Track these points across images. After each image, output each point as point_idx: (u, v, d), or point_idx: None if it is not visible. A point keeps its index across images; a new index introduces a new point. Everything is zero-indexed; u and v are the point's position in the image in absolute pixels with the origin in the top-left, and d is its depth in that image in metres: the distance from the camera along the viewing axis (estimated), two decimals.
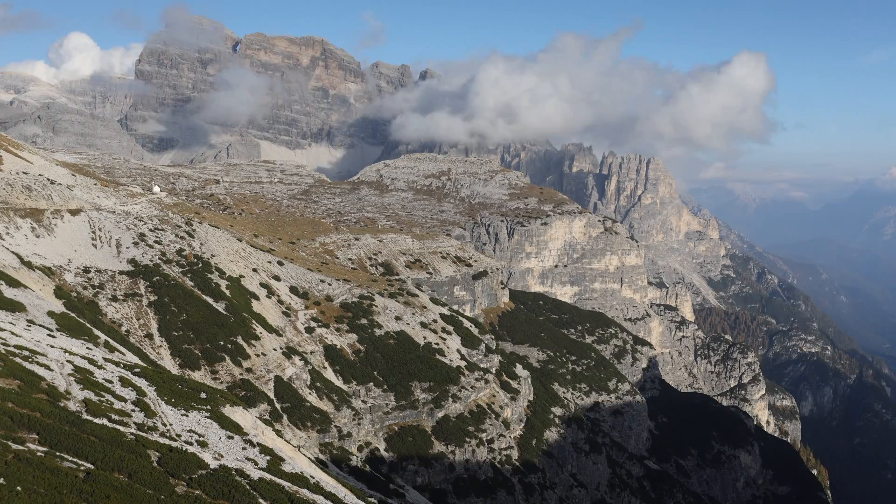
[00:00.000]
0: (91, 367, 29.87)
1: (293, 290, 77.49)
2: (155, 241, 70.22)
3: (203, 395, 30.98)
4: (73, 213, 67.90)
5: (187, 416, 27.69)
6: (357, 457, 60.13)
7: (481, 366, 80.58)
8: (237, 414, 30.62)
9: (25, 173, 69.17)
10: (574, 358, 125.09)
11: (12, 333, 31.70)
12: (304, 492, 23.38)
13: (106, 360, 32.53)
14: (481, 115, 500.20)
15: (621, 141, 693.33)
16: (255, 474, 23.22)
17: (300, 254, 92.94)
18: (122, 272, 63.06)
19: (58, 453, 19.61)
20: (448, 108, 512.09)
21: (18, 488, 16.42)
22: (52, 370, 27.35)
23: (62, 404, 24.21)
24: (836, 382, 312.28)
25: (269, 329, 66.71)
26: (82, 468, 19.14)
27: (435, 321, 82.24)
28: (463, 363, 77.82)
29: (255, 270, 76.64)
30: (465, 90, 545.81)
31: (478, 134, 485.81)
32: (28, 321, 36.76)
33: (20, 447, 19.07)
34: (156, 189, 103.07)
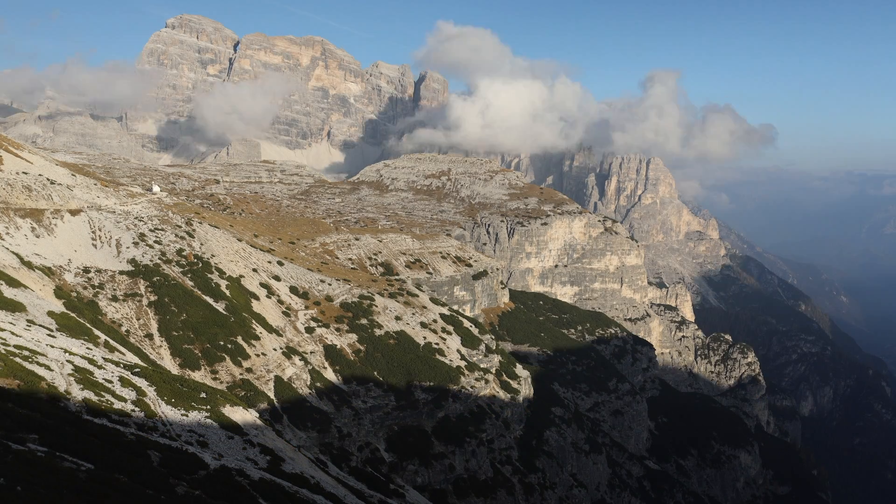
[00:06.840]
0: (91, 367, 29.84)
1: (293, 290, 77.48)
2: (155, 241, 70.21)
3: (203, 395, 30.97)
4: (73, 213, 67.88)
5: (187, 416, 27.69)
6: (357, 457, 60.09)
7: (481, 366, 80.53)
8: (237, 414, 30.62)
9: (25, 173, 69.15)
10: (574, 358, 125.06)
11: (12, 333, 31.67)
12: (305, 492, 23.39)
13: (106, 360, 32.50)
14: (476, 124, 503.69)
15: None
16: (256, 474, 23.22)
17: (300, 254, 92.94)
18: (122, 272, 63.05)
19: (58, 453, 19.58)
20: (445, 115, 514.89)
21: (18, 488, 16.39)
22: (52, 370, 27.32)
23: (62, 404, 24.18)
24: (836, 382, 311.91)
25: (270, 329, 66.69)
26: (82, 468, 19.11)
27: (435, 321, 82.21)
28: (463, 363, 77.77)
29: (255, 270, 76.62)
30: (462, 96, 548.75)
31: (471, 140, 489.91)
32: (28, 321, 36.72)
33: (20, 447, 19.04)
34: (156, 189, 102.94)
